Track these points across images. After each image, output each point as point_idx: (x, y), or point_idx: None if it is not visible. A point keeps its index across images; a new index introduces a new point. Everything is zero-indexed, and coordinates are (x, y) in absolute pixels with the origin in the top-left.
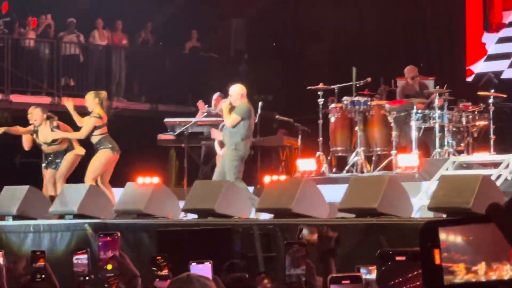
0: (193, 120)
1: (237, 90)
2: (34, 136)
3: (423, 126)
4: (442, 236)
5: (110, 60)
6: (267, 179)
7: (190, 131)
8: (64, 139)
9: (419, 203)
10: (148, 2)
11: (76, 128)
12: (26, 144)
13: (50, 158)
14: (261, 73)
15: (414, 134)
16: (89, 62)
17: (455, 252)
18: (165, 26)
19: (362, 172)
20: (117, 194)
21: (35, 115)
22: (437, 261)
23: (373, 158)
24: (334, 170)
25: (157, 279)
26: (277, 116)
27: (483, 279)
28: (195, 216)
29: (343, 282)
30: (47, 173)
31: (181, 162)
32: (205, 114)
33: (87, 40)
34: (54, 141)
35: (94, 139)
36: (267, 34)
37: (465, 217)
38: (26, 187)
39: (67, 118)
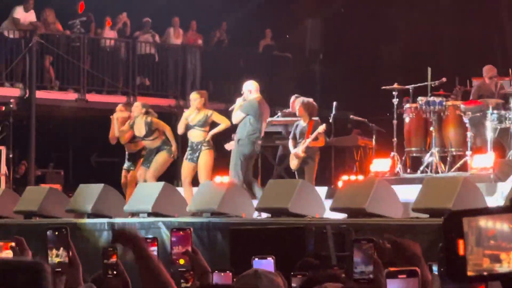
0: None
1: (246, 86)
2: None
3: (498, 127)
4: (489, 224)
5: (185, 59)
6: (341, 179)
7: (265, 130)
8: (158, 136)
9: (494, 204)
10: (223, 1)
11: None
12: (124, 138)
13: (137, 157)
14: (336, 73)
15: (489, 134)
16: (164, 62)
17: (502, 240)
18: (240, 25)
19: (436, 172)
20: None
21: (134, 107)
22: (461, 251)
23: (448, 158)
24: (408, 170)
25: (216, 271)
26: (351, 116)
27: None
28: (269, 215)
29: (399, 276)
30: (140, 171)
31: (256, 161)
32: (279, 114)
33: (163, 40)
34: (147, 135)
35: (200, 137)
36: (342, 34)
37: (488, 207)
38: (101, 185)
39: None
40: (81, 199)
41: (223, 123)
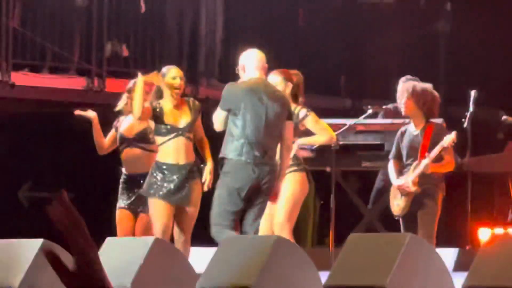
0: (349, 122)
1: (241, 59)
2: None
3: None
4: None
5: (195, 8)
6: (484, 233)
7: (342, 142)
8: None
9: None
10: None
11: None
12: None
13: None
14: (476, 35)
15: None
16: (155, 13)
17: None
18: None
19: None
20: (205, 255)
21: (176, 73)
22: None
23: None
24: None
25: None
26: (504, 118)
27: None
28: None
29: None
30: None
31: (325, 201)
32: (370, 111)
33: None
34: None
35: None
36: None
37: None
38: (38, 241)
39: None
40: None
41: (322, 135)
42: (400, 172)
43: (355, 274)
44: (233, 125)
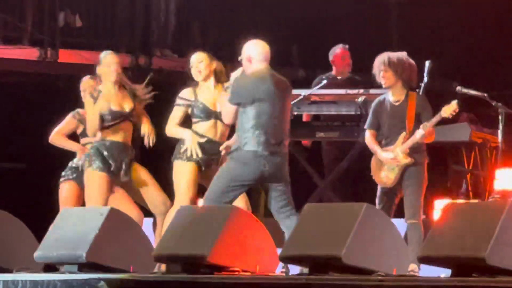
0: (303, 93)
1: (246, 50)
2: None
3: None
4: None
5: None
6: (439, 204)
7: (296, 113)
8: None
9: None
10: None
11: None
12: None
13: None
14: (425, 8)
15: None
16: None
17: None
18: None
19: None
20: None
21: None
22: None
23: None
24: None
25: None
26: (458, 88)
27: None
28: (304, 269)
29: None
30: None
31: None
32: (324, 81)
33: None
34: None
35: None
36: None
37: None
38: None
39: None
40: None
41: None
42: (379, 143)
43: (311, 244)
44: (245, 117)
